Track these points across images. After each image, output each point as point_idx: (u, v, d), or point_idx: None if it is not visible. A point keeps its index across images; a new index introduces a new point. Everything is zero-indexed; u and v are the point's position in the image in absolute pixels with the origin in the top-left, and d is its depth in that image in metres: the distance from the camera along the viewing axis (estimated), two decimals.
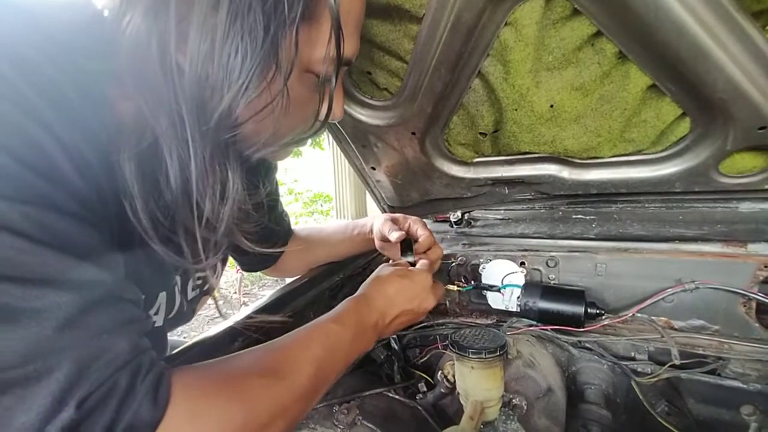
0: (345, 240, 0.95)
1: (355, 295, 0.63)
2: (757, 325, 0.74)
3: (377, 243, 0.87)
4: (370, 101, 0.83)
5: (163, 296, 0.55)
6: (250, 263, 0.92)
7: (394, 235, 0.78)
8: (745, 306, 0.75)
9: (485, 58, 0.66)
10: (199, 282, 0.66)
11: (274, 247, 0.89)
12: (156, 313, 0.54)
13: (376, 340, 0.62)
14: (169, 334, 0.66)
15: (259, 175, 0.54)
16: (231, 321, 0.70)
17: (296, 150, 5.57)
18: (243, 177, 0.44)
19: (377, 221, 0.87)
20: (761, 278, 0.73)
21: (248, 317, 0.70)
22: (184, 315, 0.64)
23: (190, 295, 0.65)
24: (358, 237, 0.93)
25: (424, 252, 0.80)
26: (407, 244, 0.79)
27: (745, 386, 0.69)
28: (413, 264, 0.75)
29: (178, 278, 0.60)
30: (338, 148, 1.01)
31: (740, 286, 0.74)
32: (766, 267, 0.73)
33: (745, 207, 0.84)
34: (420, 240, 0.79)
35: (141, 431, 0.33)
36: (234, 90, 0.39)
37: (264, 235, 0.73)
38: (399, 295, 0.64)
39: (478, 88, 0.73)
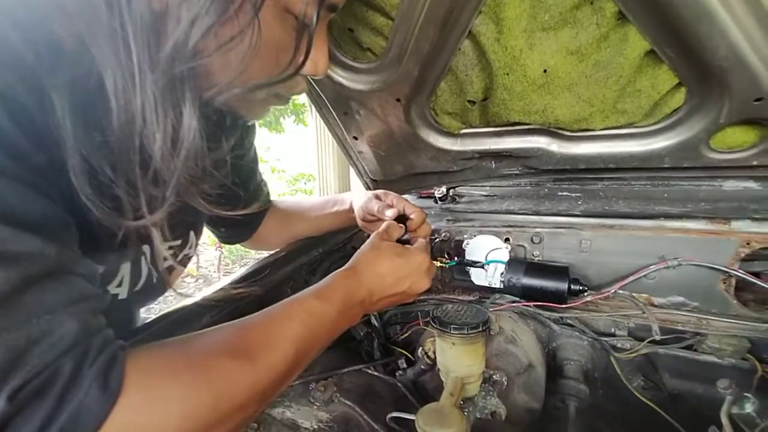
0: (324, 215, 0.91)
1: (344, 267, 0.59)
2: (735, 301, 0.75)
3: (359, 221, 0.83)
4: (352, 63, 0.77)
5: (126, 267, 0.49)
6: (227, 234, 0.87)
7: (389, 213, 0.73)
8: (725, 283, 0.75)
9: (477, 16, 0.61)
10: (171, 252, 0.61)
11: (252, 216, 0.84)
12: (119, 285, 0.49)
13: (363, 314, 0.58)
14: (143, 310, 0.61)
15: (225, 129, 0.48)
16: (199, 295, 0.66)
17: (278, 126, 5.39)
18: (202, 124, 0.38)
19: (358, 198, 0.82)
20: (743, 255, 0.73)
21: (218, 291, 0.65)
22: (155, 288, 0.59)
23: (162, 266, 0.59)
24: (337, 212, 0.89)
25: (415, 229, 0.76)
26: (400, 221, 0.76)
27: (720, 361, 0.70)
28: (407, 242, 0.71)
29: (147, 248, 0.54)
30: (320, 120, 0.95)
31: (722, 263, 0.74)
32: (748, 244, 0.73)
33: (729, 185, 0.83)
34: (413, 216, 0.75)
35: (87, 423, 0.29)
36: (192, 12, 0.33)
37: (239, 200, 0.68)
38: (392, 274, 0.59)
39: (468, 50, 0.68)
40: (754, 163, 0.72)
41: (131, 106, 0.34)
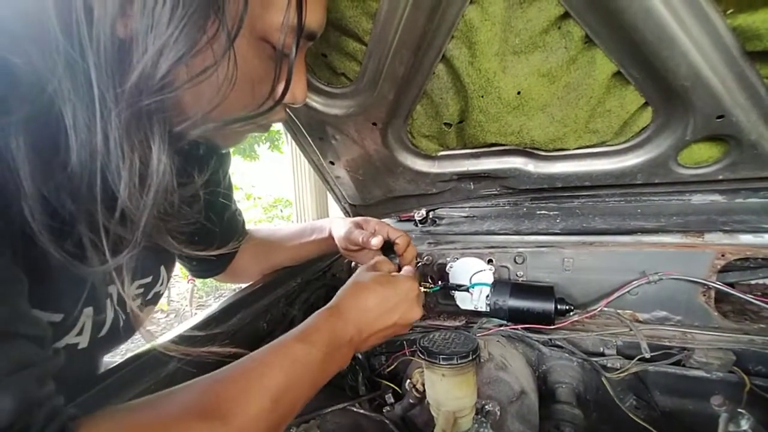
0: (302, 243, 0.87)
1: (327, 306, 0.55)
2: (715, 314, 0.75)
3: (341, 249, 0.80)
4: (327, 88, 0.76)
5: (88, 312, 0.44)
6: (200, 269, 0.82)
7: (374, 241, 0.70)
8: (704, 295, 0.76)
9: (450, 40, 0.62)
10: (141, 291, 0.55)
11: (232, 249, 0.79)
12: (79, 334, 0.43)
13: (353, 354, 0.54)
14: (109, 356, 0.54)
15: (195, 162, 0.45)
16: (169, 335, 0.60)
17: (252, 153, 5.33)
18: (173, 159, 0.35)
19: (338, 227, 0.80)
20: (719, 267, 0.75)
21: (183, 338, 0.59)
22: (122, 332, 0.53)
23: (131, 306, 0.53)
24: (315, 240, 0.85)
25: (402, 253, 0.73)
26: (385, 248, 0.73)
27: (708, 375, 0.69)
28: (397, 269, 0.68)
29: (113, 288, 0.49)
30: (296, 145, 0.93)
31: (700, 275, 0.75)
32: (723, 256, 0.74)
33: (697, 199, 0.86)
34: (398, 241, 0.73)
35: None
36: (160, 41, 0.31)
37: (214, 236, 0.64)
38: (379, 306, 0.55)
39: (442, 73, 0.69)
40: (720, 177, 0.74)
41: (93, 141, 0.31)
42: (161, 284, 0.60)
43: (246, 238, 0.84)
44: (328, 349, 0.48)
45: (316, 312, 0.53)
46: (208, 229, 0.59)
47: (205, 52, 0.34)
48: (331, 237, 0.81)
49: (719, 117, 0.63)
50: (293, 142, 0.92)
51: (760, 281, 0.82)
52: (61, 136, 0.31)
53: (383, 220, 0.79)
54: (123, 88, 0.31)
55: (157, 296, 0.60)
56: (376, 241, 0.70)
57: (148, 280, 0.56)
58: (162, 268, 0.60)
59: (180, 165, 0.38)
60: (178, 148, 0.39)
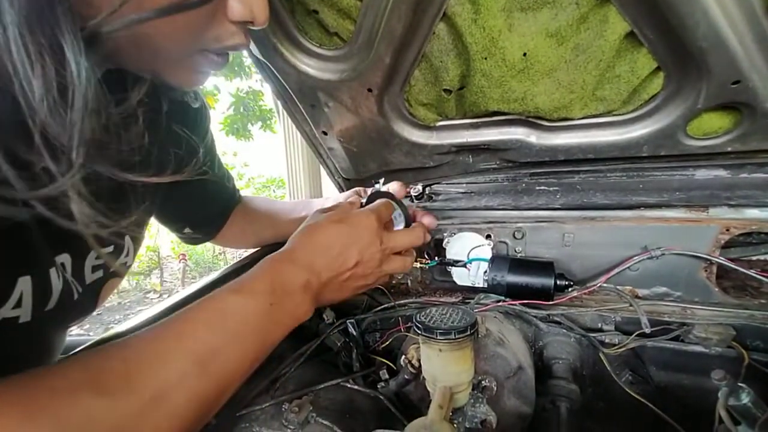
0: (292, 220, 0.83)
1: (274, 253, 0.48)
2: (716, 289, 0.74)
3: None
4: (319, 50, 0.71)
5: (25, 282, 0.38)
6: (191, 235, 0.78)
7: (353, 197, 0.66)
8: (706, 271, 0.74)
9: None
10: (102, 261, 0.50)
11: (215, 215, 0.75)
12: (18, 306, 0.38)
13: (314, 305, 0.47)
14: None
15: (128, 77, 0.39)
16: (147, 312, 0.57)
17: (245, 132, 5.20)
18: (96, 68, 0.30)
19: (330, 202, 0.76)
20: (722, 242, 0.73)
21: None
22: (80, 305, 0.48)
23: (90, 278, 0.49)
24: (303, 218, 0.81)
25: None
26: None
27: (707, 351, 0.69)
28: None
29: (66, 257, 0.44)
30: (289, 124, 0.88)
31: (702, 250, 0.73)
32: (727, 230, 0.72)
33: (701, 174, 0.84)
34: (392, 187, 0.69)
35: None
36: None
37: (202, 200, 0.58)
38: (336, 243, 0.48)
39: (443, 33, 0.64)
40: (729, 149, 0.72)
41: None
42: (126, 255, 0.55)
43: (239, 207, 0.80)
44: (274, 298, 0.42)
45: (263, 259, 0.47)
46: (210, 194, 0.53)
47: None
48: None
49: (735, 83, 0.59)
50: (285, 113, 0.87)
51: (762, 257, 0.81)
52: None
53: None
54: None
55: (123, 268, 0.55)
56: (353, 198, 0.66)
57: (108, 250, 0.51)
58: (126, 238, 0.55)
59: (110, 80, 0.32)
60: (103, 62, 0.33)
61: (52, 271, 0.42)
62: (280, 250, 0.48)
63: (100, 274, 0.49)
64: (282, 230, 0.84)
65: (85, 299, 0.48)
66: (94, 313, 0.53)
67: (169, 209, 0.71)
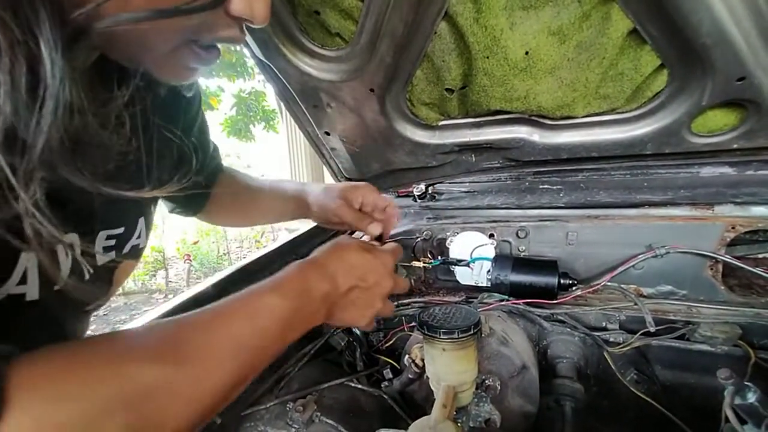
0: (276, 199, 0.79)
1: (303, 259, 0.49)
2: (722, 287, 0.74)
3: (319, 221, 0.76)
4: (321, 51, 0.71)
5: (28, 259, 0.37)
6: (177, 207, 0.74)
7: (373, 229, 0.66)
8: (712, 269, 0.74)
9: None
10: (113, 243, 0.49)
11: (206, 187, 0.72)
12: (22, 283, 0.37)
13: (325, 317, 0.49)
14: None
15: (116, 74, 0.37)
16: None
17: (248, 133, 5.22)
18: (73, 62, 0.28)
19: (316, 197, 0.73)
20: (728, 240, 0.72)
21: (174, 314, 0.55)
22: (92, 287, 0.47)
23: (102, 260, 0.47)
24: (291, 201, 0.77)
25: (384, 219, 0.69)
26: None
27: (713, 349, 0.68)
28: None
29: (74, 236, 0.42)
30: (291, 125, 0.88)
31: (708, 249, 0.73)
32: (733, 228, 0.72)
33: (706, 172, 0.83)
34: (387, 210, 0.69)
35: None
36: None
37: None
38: (360, 263, 0.51)
39: (444, 33, 0.64)
40: (735, 146, 0.71)
41: None
42: (138, 237, 0.54)
43: (223, 184, 0.76)
44: (300, 302, 0.43)
45: (292, 263, 0.48)
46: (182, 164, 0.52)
47: None
48: (309, 205, 0.75)
49: (740, 79, 0.59)
50: (288, 114, 0.87)
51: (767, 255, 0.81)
52: None
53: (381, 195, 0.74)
54: None
55: (137, 250, 0.54)
56: (374, 229, 0.66)
57: (119, 231, 0.50)
58: (141, 220, 0.54)
59: (95, 76, 0.31)
60: (88, 60, 0.31)
61: (60, 249, 0.40)
62: (307, 258, 0.50)
63: (112, 255, 0.48)
64: (270, 218, 0.85)
65: (98, 281, 0.47)
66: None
67: None
